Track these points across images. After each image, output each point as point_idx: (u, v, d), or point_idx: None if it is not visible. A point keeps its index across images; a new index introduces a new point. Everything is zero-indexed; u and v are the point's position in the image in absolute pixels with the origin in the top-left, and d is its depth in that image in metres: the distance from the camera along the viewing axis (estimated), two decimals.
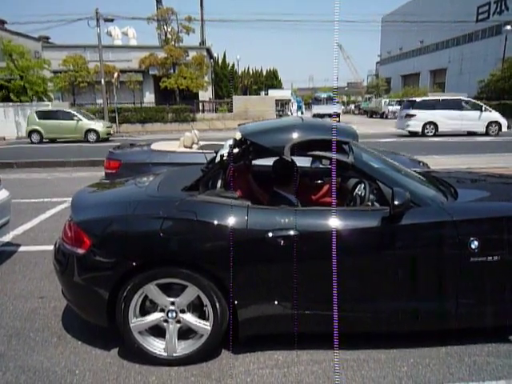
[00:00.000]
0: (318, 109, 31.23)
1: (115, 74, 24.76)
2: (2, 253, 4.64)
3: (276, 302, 2.55)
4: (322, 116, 30.16)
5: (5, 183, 4.77)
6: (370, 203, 2.81)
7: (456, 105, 18.40)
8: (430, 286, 2.59)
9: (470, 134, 18.61)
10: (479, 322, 2.72)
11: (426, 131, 18.20)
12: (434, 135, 18.18)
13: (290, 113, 33.63)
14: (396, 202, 2.41)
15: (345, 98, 72.61)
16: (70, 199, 3.10)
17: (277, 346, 2.76)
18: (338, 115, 30.61)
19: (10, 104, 22.55)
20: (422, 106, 18.40)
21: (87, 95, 29.07)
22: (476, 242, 2.48)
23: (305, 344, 2.72)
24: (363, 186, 3.02)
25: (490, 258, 2.52)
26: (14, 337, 2.97)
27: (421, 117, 18.09)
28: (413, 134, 18.42)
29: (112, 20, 24.32)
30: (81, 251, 2.56)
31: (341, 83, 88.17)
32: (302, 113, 37.24)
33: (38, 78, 23.27)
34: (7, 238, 4.99)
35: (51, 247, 3.04)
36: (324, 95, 35.06)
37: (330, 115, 29.87)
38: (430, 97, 22.77)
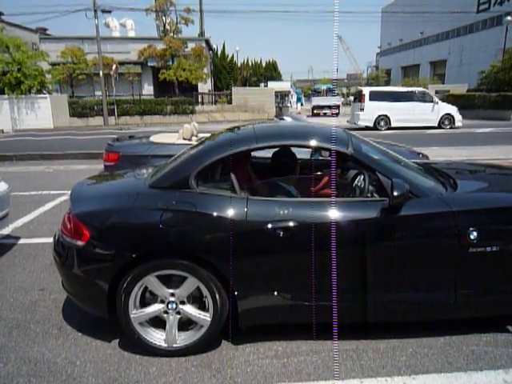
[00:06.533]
0: (317, 100, 31.08)
1: (113, 66, 24.57)
2: (2, 245, 4.64)
3: (275, 293, 2.56)
4: (321, 107, 30.08)
5: (4, 176, 4.77)
6: (369, 194, 2.81)
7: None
8: (428, 277, 2.60)
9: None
10: (478, 312, 2.73)
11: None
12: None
13: (289, 104, 33.50)
14: (395, 193, 2.41)
15: (344, 90, 72.25)
16: (69, 191, 3.10)
17: (276, 337, 2.78)
18: (337, 107, 30.52)
19: (6, 97, 22.35)
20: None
21: (85, 87, 28.86)
22: (475, 233, 2.49)
23: (304, 334, 2.74)
24: (362, 177, 3.01)
25: (488, 248, 2.53)
26: (15, 328, 2.98)
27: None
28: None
29: (110, 11, 24.03)
30: (80, 243, 2.56)
31: (341, 75, 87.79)
32: (301, 104, 37.10)
33: (35, 70, 23.07)
34: (7, 230, 4.99)
35: (51, 239, 3.04)
36: (324, 87, 34.89)
37: (329, 107, 29.76)
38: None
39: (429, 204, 2.58)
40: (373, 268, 2.58)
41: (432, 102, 17.94)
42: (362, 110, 17.78)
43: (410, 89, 19.04)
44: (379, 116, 17.73)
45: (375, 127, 17.70)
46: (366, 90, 18.30)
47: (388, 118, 17.75)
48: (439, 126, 17.91)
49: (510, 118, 21.34)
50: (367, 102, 17.66)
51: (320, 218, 2.50)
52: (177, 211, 2.55)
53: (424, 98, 18.06)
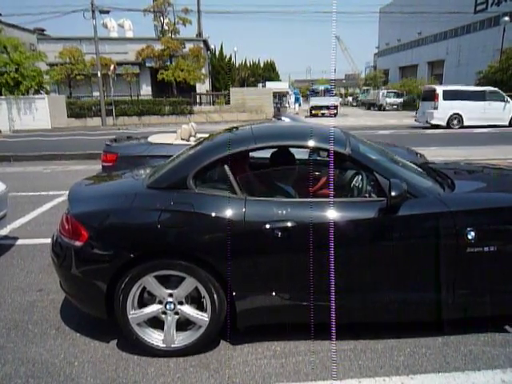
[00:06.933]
0: (315, 101, 31.15)
1: (111, 67, 24.58)
2: (0, 246, 4.63)
3: (274, 293, 2.56)
4: (319, 108, 30.13)
5: (1, 176, 4.75)
6: (367, 194, 2.81)
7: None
8: (426, 277, 2.60)
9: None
10: (475, 311, 2.74)
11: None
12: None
13: (287, 105, 33.55)
14: (393, 193, 2.41)
15: (342, 91, 72.30)
16: (67, 192, 3.09)
17: (275, 337, 2.78)
18: (335, 107, 30.55)
19: (3, 97, 22.29)
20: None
21: (83, 88, 28.85)
22: (473, 233, 2.49)
23: (302, 335, 2.74)
24: (360, 177, 3.02)
25: (486, 248, 2.53)
26: (13, 329, 2.97)
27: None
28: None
29: (108, 12, 24.07)
30: (78, 244, 2.56)
31: (339, 75, 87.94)
32: (299, 105, 37.13)
33: (33, 70, 23.03)
34: (4, 231, 4.99)
35: (49, 240, 3.04)
36: (322, 87, 34.95)
37: (327, 107, 29.80)
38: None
39: (427, 204, 2.59)
40: (371, 268, 2.59)
41: (504, 101, 17.89)
42: (435, 108, 17.80)
43: (481, 88, 18.90)
44: (452, 115, 17.79)
45: (448, 126, 17.80)
46: (440, 89, 18.23)
47: (461, 116, 17.81)
48: (510, 125, 17.95)
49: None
50: (441, 101, 17.68)
51: (318, 218, 2.50)
52: (175, 212, 2.55)
53: (495, 96, 18.03)
